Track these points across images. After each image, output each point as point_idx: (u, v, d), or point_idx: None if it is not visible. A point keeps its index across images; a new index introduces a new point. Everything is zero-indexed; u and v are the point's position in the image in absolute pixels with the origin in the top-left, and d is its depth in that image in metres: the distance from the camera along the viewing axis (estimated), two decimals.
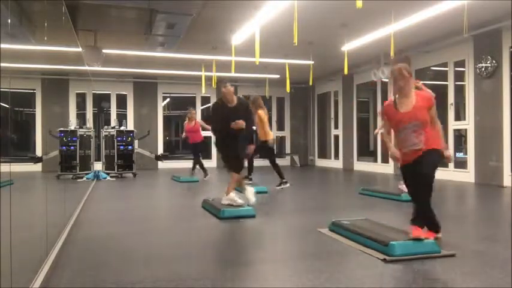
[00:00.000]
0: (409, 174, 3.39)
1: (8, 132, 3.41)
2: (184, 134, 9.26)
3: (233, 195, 4.96)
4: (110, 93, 12.99)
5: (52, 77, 11.90)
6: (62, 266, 2.86)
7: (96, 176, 9.39)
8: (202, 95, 12.61)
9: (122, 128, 10.48)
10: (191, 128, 9.07)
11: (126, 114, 12.85)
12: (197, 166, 9.31)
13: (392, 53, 6.80)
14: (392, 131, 3.44)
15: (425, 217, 3.33)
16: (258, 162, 8.67)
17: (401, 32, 7.22)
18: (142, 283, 2.51)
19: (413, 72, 9.67)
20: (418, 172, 3.24)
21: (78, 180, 9.13)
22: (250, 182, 7.10)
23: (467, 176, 8.28)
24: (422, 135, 3.23)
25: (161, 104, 13.38)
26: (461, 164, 8.63)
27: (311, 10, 6.53)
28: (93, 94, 12.65)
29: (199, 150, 9.41)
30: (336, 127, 13.13)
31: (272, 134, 7.58)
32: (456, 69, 8.72)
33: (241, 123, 5.04)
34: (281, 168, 7.56)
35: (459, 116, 8.75)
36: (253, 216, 4.62)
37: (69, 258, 3.09)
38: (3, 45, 2.21)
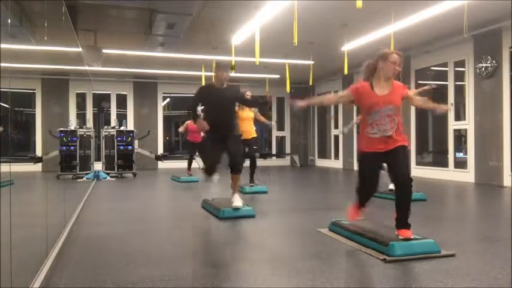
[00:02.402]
0: (374, 163, 3.33)
1: (8, 132, 3.41)
2: (182, 129, 9.29)
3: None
4: (110, 93, 12.99)
5: (52, 77, 11.89)
6: (62, 266, 2.86)
7: (96, 176, 9.39)
8: None
9: (122, 128, 10.48)
10: (193, 127, 9.11)
11: (126, 114, 12.85)
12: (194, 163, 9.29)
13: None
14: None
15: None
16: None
17: (402, 32, 7.22)
18: (142, 283, 2.51)
19: (413, 72, 9.74)
20: (397, 172, 3.19)
21: (78, 180, 9.13)
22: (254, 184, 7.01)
23: (467, 176, 8.28)
24: (395, 123, 3.22)
25: (161, 104, 13.38)
26: (461, 164, 8.63)
27: (311, 10, 6.53)
28: (93, 94, 12.65)
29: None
30: (336, 127, 13.12)
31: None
32: (456, 69, 8.72)
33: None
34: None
35: (459, 116, 8.76)
36: (253, 216, 4.62)
37: (69, 258, 3.09)
38: (3, 45, 2.21)
